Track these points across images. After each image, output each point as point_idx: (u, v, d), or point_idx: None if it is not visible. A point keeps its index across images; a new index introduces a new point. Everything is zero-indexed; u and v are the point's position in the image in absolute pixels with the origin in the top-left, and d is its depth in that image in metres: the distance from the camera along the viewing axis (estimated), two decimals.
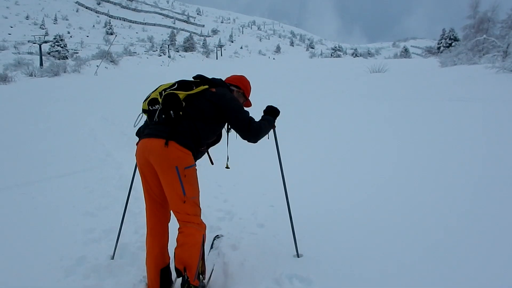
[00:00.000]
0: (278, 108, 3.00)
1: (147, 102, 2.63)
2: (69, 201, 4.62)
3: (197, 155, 2.61)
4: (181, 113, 2.48)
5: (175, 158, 2.39)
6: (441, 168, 4.61)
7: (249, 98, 3.10)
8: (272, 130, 2.97)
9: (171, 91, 2.51)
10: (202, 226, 2.55)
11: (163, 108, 2.49)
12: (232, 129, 2.78)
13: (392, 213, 3.66)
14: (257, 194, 4.57)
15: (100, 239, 3.58)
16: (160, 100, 2.53)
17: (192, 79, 2.76)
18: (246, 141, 2.66)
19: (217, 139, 2.78)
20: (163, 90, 2.58)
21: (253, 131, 2.60)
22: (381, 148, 5.77)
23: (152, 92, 2.65)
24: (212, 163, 2.94)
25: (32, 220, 4.03)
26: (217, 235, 3.55)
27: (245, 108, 2.76)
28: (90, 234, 3.67)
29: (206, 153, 2.79)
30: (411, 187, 4.24)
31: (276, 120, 2.99)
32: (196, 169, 2.56)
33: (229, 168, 3.03)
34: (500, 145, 5.04)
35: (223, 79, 2.97)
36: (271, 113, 2.96)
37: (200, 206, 2.62)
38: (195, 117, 2.50)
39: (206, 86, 2.63)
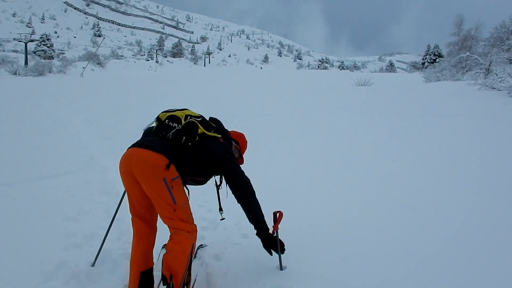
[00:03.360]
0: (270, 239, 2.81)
1: (167, 115, 2.71)
2: (50, 204, 4.55)
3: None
4: (190, 144, 2.57)
5: (162, 171, 2.42)
6: (427, 184, 4.67)
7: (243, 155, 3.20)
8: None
9: (197, 121, 2.63)
10: (193, 235, 2.58)
11: (181, 130, 2.59)
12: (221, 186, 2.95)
13: (382, 228, 3.68)
14: None
15: (81, 245, 3.53)
16: (183, 121, 2.63)
17: (210, 122, 2.86)
18: (235, 198, 2.73)
19: (202, 182, 2.81)
20: (189, 115, 2.69)
21: (244, 186, 2.69)
22: (369, 161, 5.82)
23: (177, 110, 2.75)
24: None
25: (12, 222, 3.95)
26: (201, 245, 3.54)
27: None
28: (71, 239, 3.61)
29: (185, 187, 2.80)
30: (401, 202, 4.26)
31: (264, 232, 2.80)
32: (180, 179, 2.59)
33: (224, 219, 3.14)
34: (483, 160, 5.14)
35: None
36: (266, 234, 2.79)
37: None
38: (195, 156, 2.59)
39: (220, 136, 2.76)
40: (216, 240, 3.67)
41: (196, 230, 2.64)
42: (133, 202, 2.67)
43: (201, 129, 2.63)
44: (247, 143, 3.20)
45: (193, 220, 2.66)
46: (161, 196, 2.45)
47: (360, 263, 3.01)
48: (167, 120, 2.67)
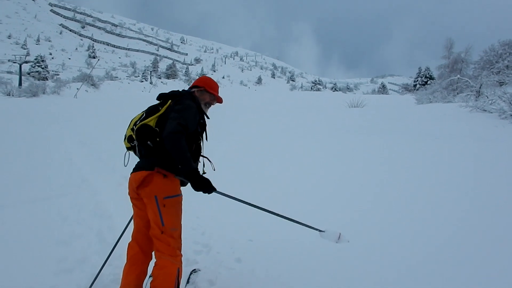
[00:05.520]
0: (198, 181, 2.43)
1: (126, 140, 2.71)
2: (41, 228, 4.46)
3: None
4: (158, 139, 2.52)
5: (154, 188, 2.45)
6: (422, 201, 4.68)
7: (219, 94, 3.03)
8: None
9: (141, 123, 2.56)
10: (177, 259, 2.54)
11: (139, 143, 2.57)
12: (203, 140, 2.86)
13: (376, 255, 3.67)
14: (236, 228, 4.52)
15: (72, 269, 3.45)
16: (134, 136, 2.59)
17: (157, 101, 2.80)
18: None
19: (197, 148, 2.76)
20: (134, 124, 2.63)
21: (170, 135, 2.33)
22: (363, 181, 5.83)
23: (127, 129, 2.72)
24: (214, 169, 2.98)
25: (1, 247, 3.86)
26: (194, 269, 3.47)
27: (217, 103, 2.96)
28: (62, 264, 3.53)
29: (201, 163, 2.85)
30: (397, 220, 4.27)
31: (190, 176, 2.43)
32: (180, 200, 2.58)
33: (205, 172, 2.86)
34: (475, 178, 5.17)
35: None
36: (196, 177, 2.41)
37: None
38: None
39: (169, 102, 2.68)
40: (209, 265, 3.61)
41: (181, 255, 2.61)
42: (138, 223, 2.71)
43: (152, 120, 2.55)
44: (211, 80, 3.01)
45: (180, 247, 2.64)
46: (153, 214, 2.48)
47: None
48: (131, 144, 2.70)
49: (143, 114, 2.66)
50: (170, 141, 2.32)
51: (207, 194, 2.48)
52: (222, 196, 2.61)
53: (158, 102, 2.79)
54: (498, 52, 25.83)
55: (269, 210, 2.74)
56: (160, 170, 2.48)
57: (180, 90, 2.87)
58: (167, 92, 2.81)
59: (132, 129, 2.63)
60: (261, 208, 2.72)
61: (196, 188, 2.41)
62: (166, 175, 2.49)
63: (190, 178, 2.39)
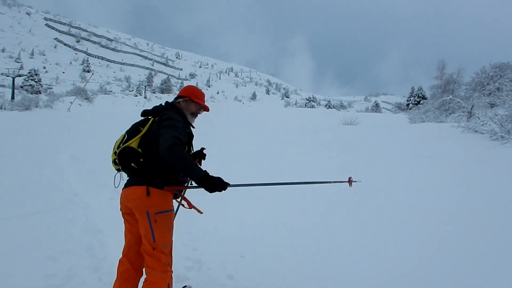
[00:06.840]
0: (220, 183, 2.49)
1: (113, 163, 2.70)
2: (30, 242, 4.40)
3: (181, 183, 2.65)
4: (141, 159, 2.52)
5: (146, 203, 2.44)
6: (411, 221, 4.70)
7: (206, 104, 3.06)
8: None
9: (124, 146, 2.55)
10: (168, 275, 2.52)
11: (122, 167, 2.57)
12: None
13: (370, 268, 3.67)
14: (228, 244, 4.49)
15: (61, 286, 3.39)
16: (117, 160, 2.59)
17: (141, 118, 2.79)
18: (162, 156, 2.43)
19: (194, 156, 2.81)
20: (117, 147, 2.62)
21: (170, 150, 2.34)
22: (356, 199, 5.85)
23: (112, 152, 2.71)
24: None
25: None
26: (185, 286, 3.44)
27: (204, 112, 2.95)
28: (51, 280, 3.48)
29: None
30: (387, 238, 4.28)
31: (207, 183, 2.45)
32: (171, 216, 2.58)
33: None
34: (467, 200, 5.21)
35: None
36: (208, 181, 2.44)
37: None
38: (156, 154, 2.51)
39: (152, 119, 2.68)
40: (200, 281, 3.57)
41: (171, 271, 2.58)
42: (129, 239, 2.67)
43: (134, 141, 2.54)
44: (197, 88, 3.05)
45: (171, 263, 2.61)
46: (145, 230, 2.46)
47: None
48: (118, 167, 2.66)
49: (125, 136, 2.65)
50: (170, 155, 2.33)
51: (223, 191, 2.52)
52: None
53: (141, 118, 2.78)
54: (489, 74, 26.18)
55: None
56: (152, 185, 2.48)
57: (163, 103, 2.89)
58: (150, 109, 2.81)
59: (116, 152, 2.62)
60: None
61: (211, 190, 2.45)
62: (157, 190, 2.49)
63: (203, 183, 2.41)
